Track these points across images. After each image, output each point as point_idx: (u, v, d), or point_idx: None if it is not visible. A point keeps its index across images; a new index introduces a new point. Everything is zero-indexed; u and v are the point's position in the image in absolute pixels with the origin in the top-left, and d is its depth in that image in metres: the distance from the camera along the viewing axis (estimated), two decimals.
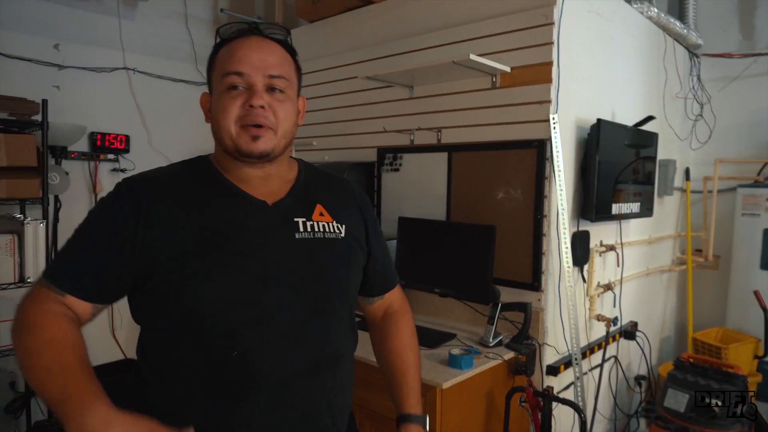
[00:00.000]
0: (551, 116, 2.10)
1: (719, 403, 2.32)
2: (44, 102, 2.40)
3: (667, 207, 3.24)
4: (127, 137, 3.03)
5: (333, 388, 1.01)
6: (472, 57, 2.05)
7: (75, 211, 2.80)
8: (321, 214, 1.04)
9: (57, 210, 2.72)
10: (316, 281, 1.00)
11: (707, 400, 2.35)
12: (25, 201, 2.48)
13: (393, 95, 2.63)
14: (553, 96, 2.12)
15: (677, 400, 2.44)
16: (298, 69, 1.05)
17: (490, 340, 2.02)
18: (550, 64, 2.11)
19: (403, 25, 2.62)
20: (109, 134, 2.95)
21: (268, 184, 1.02)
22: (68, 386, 0.79)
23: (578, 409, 1.84)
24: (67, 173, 2.65)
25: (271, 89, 0.96)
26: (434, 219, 2.42)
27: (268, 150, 0.96)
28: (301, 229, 1.00)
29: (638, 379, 2.91)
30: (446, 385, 1.70)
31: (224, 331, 0.91)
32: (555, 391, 2.04)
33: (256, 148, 0.95)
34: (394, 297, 1.26)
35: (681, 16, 3.32)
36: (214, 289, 0.91)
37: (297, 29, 3.22)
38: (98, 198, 0.96)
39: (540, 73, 2.14)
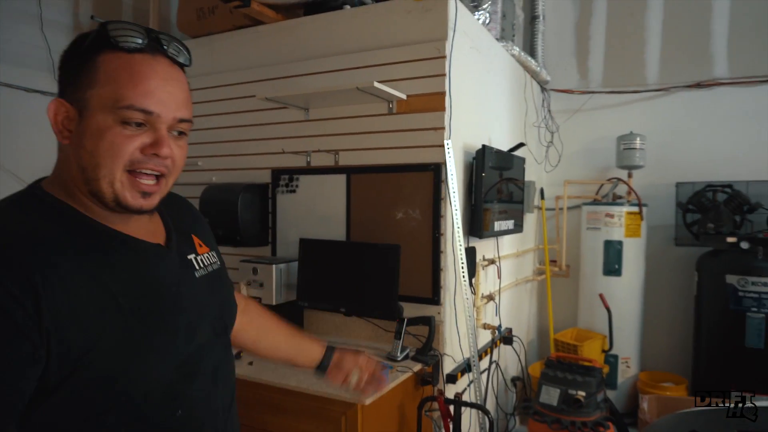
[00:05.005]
0: (446, 142, 2.28)
1: (584, 394, 2.67)
2: None
3: (528, 223, 3.64)
4: None
5: (237, 416, 1.02)
6: (376, 84, 2.15)
7: None
8: (200, 246, 0.98)
9: None
10: (222, 315, 0.97)
11: (574, 393, 2.69)
12: None
13: (288, 117, 2.62)
14: (446, 123, 2.30)
15: (550, 395, 2.75)
16: None
17: (398, 354, 2.11)
18: (443, 93, 2.29)
19: (295, 48, 2.64)
20: None
21: (143, 222, 0.88)
22: None
23: (486, 411, 2.00)
24: None
25: (174, 131, 0.82)
26: (335, 240, 2.46)
27: (156, 205, 0.83)
28: (197, 267, 0.94)
29: (514, 380, 3.22)
30: (368, 400, 1.74)
31: (166, 395, 0.82)
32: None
33: (145, 205, 0.80)
34: (239, 296, 1.19)
35: (532, 55, 3.80)
36: (157, 361, 0.80)
37: None
38: None
39: (434, 102, 2.31)
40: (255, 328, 1.19)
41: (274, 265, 2.34)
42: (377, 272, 2.21)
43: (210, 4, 2.82)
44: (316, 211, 2.54)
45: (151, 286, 0.82)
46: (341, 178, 2.47)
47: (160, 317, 0.82)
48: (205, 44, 2.92)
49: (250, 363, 2.05)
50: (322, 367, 1.22)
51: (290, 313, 2.45)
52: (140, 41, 0.78)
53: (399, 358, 2.11)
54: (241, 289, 2.34)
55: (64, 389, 0.71)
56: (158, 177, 0.81)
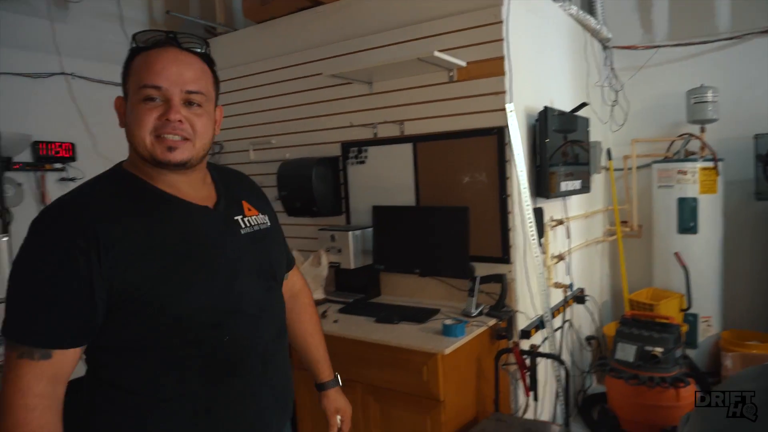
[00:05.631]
0: (507, 106, 2.31)
1: (661, 350, 2.66)
2: None
3: (596, 184, 3.60)
4: (73, 145, 2.90)
5: (286, 348, 1.22)
6: (436, 54, 2.21)
7: (26, 226, 2.65)
8: (249, 209, 1.17)
9: (7, 224, 2.56)
10: (264, 264, 1.14)
11: (650, 349, 2.68)
12: None
13: (353, 92, 2.73)
14: (507, 87, 2.33)
15: (626, 352, 2.75)
16: (216, 81, 1.09)
17: (473, 310, 2.19)
18: (502, 58, 2.32)
19: (356, 24, 2.73)
20: (53, 143, 2.81)
21: (197, 189, 1.08)
22: None
23: (561, 361, 2.06)
24: (20, 184, 2.51)
25: (188, 103, 1.00)
26: (406, 205, 2.56)
27: (185, 159, 1.00)
28: (243, 226, 1.12)
29: (588, 339, 3.23)
30: (447, 351, 1.85)
31: (213, 324, 1.01)
32: None
33: (173, 158, 0.99)
34: (295, 276, 1.41)
35: (591, 13, 3.70)
36: (198, 294, 0.99)
37: (245, 30, 3.23)
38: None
39: (493, 67, 2.34)
40: (293, 317, 1.37)
41: (350, 232, 2.48)
42: (448, 234, 2.30)
43: None
44: (385, 179, 2.65)
45: (194, 236, 1.02)
46: (408, 147, 2.56)
47: (201, 259, 1.01)
48: (270, 28, 3.08)
49: (335, 321, 2.20)
50: (322, 386, 1.41)
51: (368, 277, 2.59)
52: (153, 39, 1.00)
53: (474, 314, 2.19)
54: (321, 255, 2.50)
55: (125, 312, 0.94)
56: (184, 139, 0.99)
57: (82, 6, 3.03)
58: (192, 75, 1.00)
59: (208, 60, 1.06)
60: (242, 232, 1.11)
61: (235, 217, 1.12)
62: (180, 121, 0.98)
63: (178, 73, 0.98)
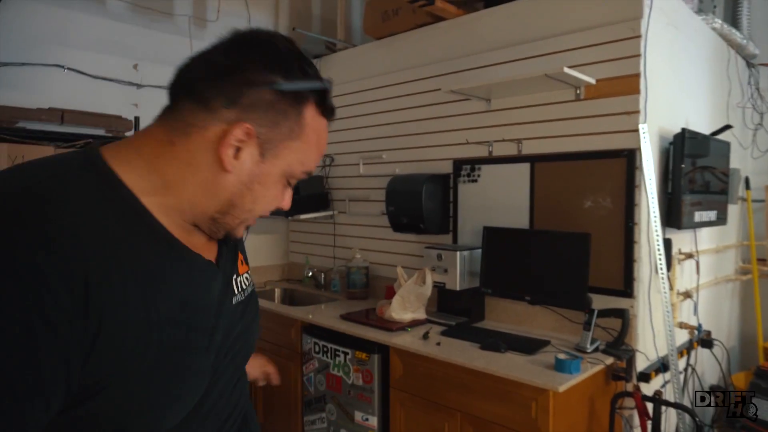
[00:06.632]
0: (640, 126, 2.14)
1: None
2: (137, 119, 2.49)
3: (731, 216, 3.24)
4: None
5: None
6: (566, 70, 2.10)
7: None
8: (242, 263, 0.86)
9: None
10: (244, 347, 0.85)
11: None
12: None
13: (469, 108, 2.68)
14: (641, 106, 2.16)
15: (763, 410, 2.44)
16: None
17: (588, 346, 2.04)
18: (638, 75, 2.16)
19: (476, 40, 2.69)
20: None
21: (202, 235, 0.75)
22: None
23: (692, 413, 1.85)
24: None
25: None
26: (519, 228, 2.45)
27: None
28: (236, 292, 0.81)
29: (713, 389, 2.90)
30: (561, 388, 1.73)
31: None
32: None
33: (240, 235, 0.78)
34: None
35: (736, 26, 3.35)
36: (174, 401, 0.68)
37: (363, 46, 3.30)
38: None
39: (627, 85, 2.19)
40: None
41: (458, 252, 2.42)
42: (565, 261, 2.17)
43: (394, 6, 2.99)
44: (498, 199, 2.56)
45: (194, 313, 0.68)
46: (524, 167, 2.46)
47: (189, 354, 0.68)
48: (388, 44, 3.11)
49: (438, 344, 2.15)
50: None
51: (472, 300, 2.51)
52: (332, 106, 0.76)
53: (589, 350, 2.04)
54: (426, 274, 2.46)
55: (77, 413, 0.59)
56: None
57: (217, 24, 3.27)
58: None
59: None
60: (234, 300, 0.80)
61: (232, 278, 0.81)
62: None
63: None
